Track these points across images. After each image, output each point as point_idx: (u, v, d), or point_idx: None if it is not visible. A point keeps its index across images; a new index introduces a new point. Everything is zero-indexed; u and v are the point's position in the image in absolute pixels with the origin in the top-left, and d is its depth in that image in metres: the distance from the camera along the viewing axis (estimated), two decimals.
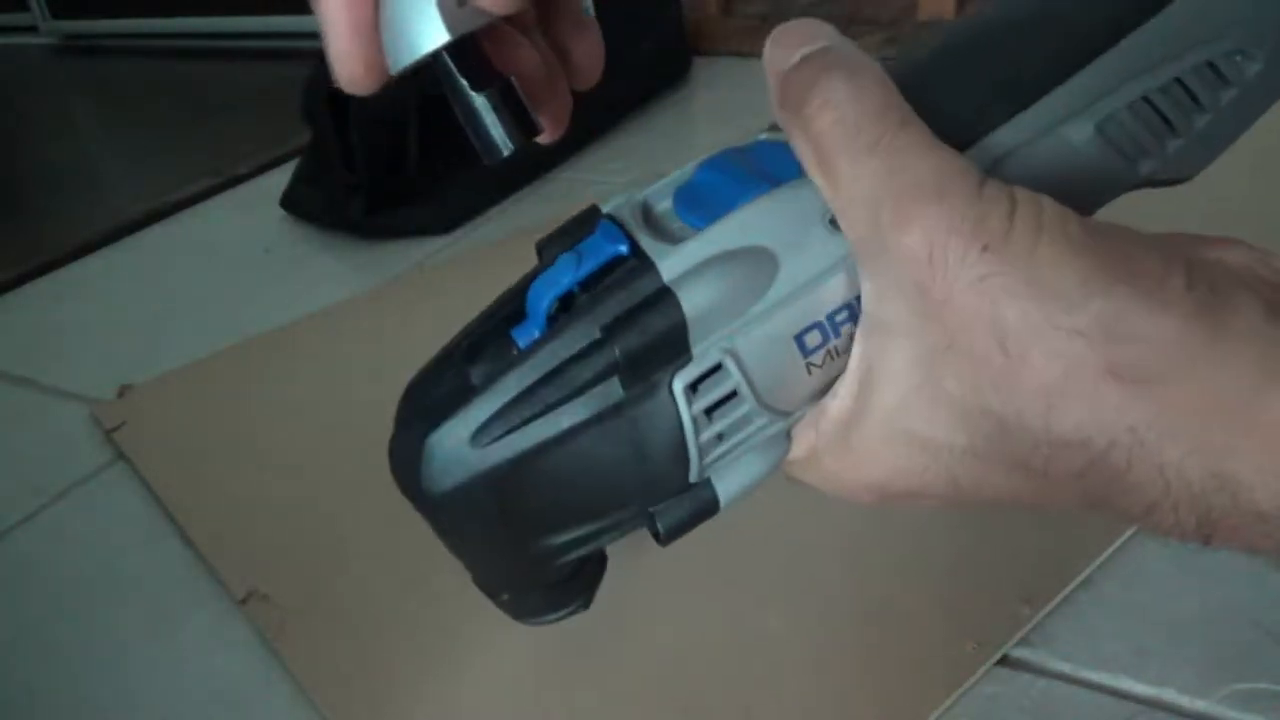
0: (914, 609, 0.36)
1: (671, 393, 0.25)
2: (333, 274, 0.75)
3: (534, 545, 0.29)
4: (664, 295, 0.25)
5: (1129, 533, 0.39)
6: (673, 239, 0.25)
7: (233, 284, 0.76)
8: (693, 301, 0.25)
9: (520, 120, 0.27)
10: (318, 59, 0.78)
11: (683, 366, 0.25)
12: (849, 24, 1.02)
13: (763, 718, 0.34)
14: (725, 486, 0.28)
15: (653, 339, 0.25)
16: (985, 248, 0.22)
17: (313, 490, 0.50)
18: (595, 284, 0.26)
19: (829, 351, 0.26)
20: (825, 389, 0.26)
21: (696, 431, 0.26)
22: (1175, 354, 0.21)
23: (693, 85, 0.97)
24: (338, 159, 0.77)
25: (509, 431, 0.26)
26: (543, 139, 0.30)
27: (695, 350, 0.25)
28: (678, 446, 0.26)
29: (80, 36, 1.71)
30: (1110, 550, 0.38)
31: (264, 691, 0.39)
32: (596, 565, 0.31)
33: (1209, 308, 0.21)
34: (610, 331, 0.25)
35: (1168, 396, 0.21)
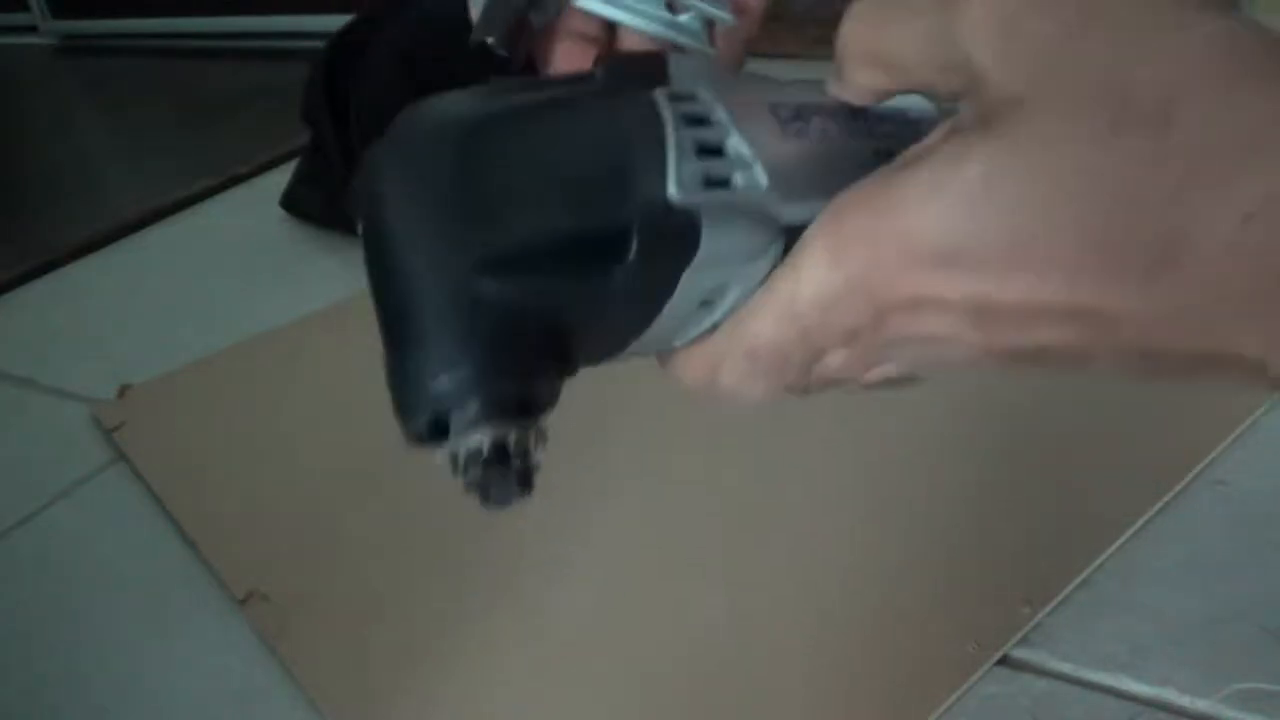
0: (914, 609, 0.36)
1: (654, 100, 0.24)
2: (333, 274, 0.75)
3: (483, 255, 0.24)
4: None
5: (1129, 533, 0.39)
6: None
7: (233, 284, 0.76)
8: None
9: None
10: (317, 59, 0.78)
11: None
12: None
13: (763, 717, 0.34)
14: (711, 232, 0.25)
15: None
16: (1058, 4, 0.21)
17: (313, 490, 0.50)
18: None
19: None
20: None
21: (679, 145, 0.24)
22: None
23: None
24: (338, 159, 0.77)
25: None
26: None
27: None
28: (656, 146, 0.24)
29: (80, 36, 1.71)
30: (1110, 550, 0.38)
31: (264, 691, 0.39)
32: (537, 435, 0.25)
33: None
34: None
35: None
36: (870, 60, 0.24)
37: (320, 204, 0.81)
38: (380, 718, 0.37)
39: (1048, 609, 0.36)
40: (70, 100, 1.48)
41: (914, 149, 0.23)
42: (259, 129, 1.08)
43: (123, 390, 0.62)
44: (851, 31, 0.24)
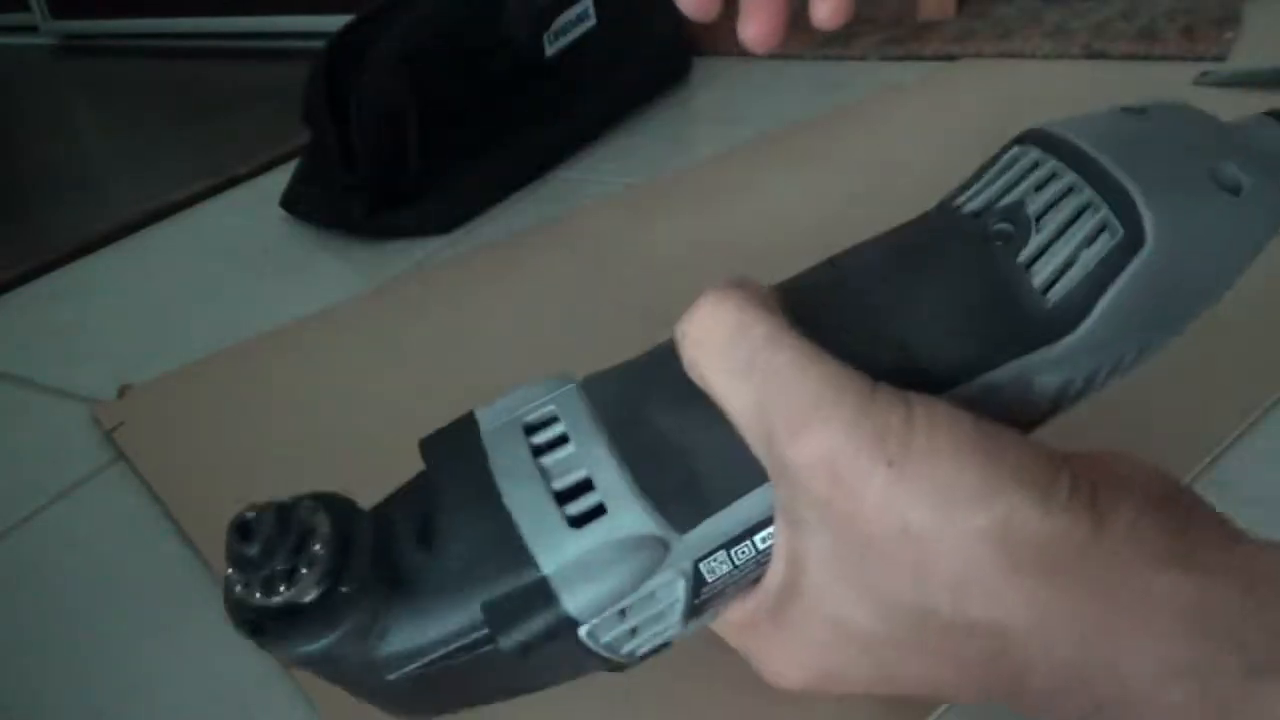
0: None
1: (577, 638, 0.25)
2: (333, 274, 0.75)
3: (473, 705, 0.29)
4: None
5: None
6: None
7: (233, 284, 0.76)
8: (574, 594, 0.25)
9: None
10: (317, 59, 0.78)
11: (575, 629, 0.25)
12: (849, 24, 1.02)
13: (762, 715, 0.34)
14: (676, 639, 0.28)
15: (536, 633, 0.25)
16: (890, 463, 0.23)
17: (312, 490, 0.50)
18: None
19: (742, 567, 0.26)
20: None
21: (615, 649, 0.27)
22: (1065, 550, 0.23)
23: (693, 85, 0.97)
24: (338, 159, 0.77)
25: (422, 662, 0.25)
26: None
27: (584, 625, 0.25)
28: (594, 662, 0.27)
29: (80, 36, 1.71)
30: None
31: (264, 691, 0.39)
32: None
33: (1090, 509, 0.23)
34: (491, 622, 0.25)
35: (1060, 586, 0.23)
36: (702, 385, 0.26)
37: (320, 204, 0.81)
38: (380, 718, 0.37)
39: None
40: (70, 100, 1.48)
41: (774, 573, 0.26)
42: (259, 129, 1.08)
43: (123, 390, 0.62)
44: (689, 350, 0.26)
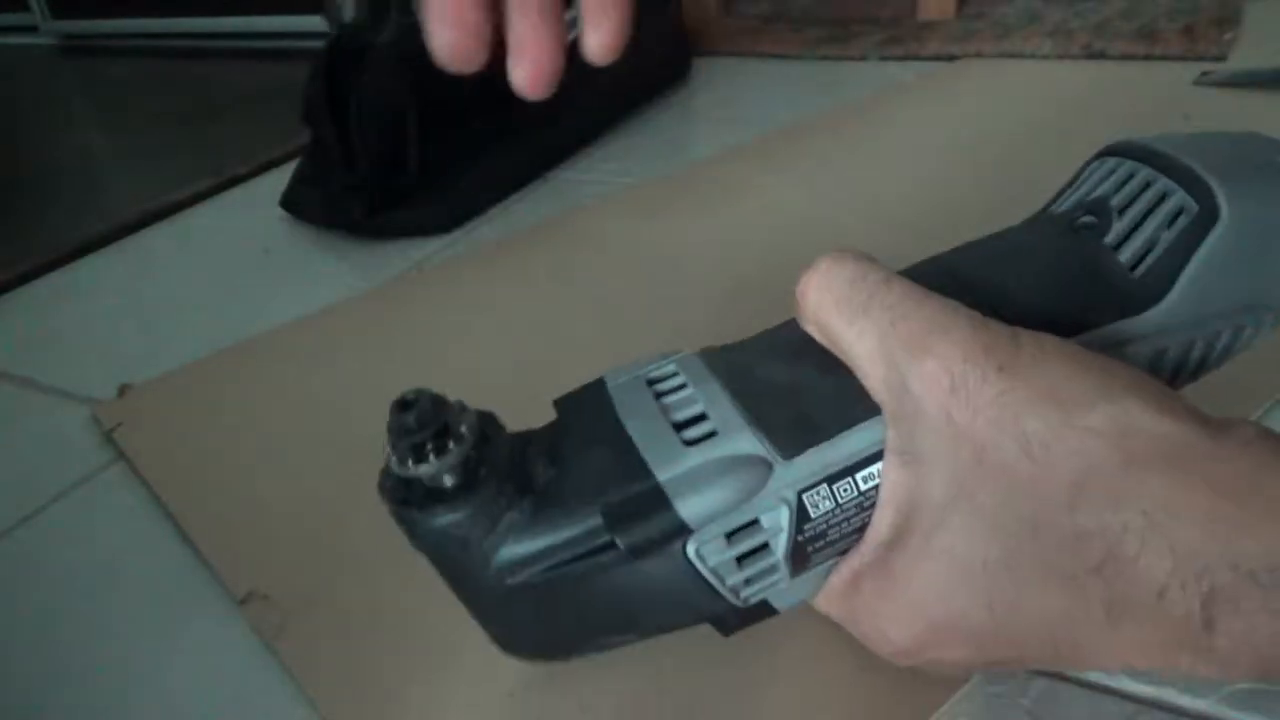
0: None
1: (685, 555, 0.28)
2: (333, 274, 0.75)
3: (576, 645, 0.31)
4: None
5: None
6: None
7: (233, 284, 0.76)
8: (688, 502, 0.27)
9: None
10: (317, 59, 0.78)
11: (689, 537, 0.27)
12: (849, 24, 1.02)
13: (761, 717, 0.34)
14: (781, 601, 0.30)
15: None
16: (1000, 368, 0.25)
17: (313, 490, 0.50)
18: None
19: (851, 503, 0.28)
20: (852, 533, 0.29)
21: (721, 578, 0.28)
22: (1182, 450, 0.24)
23: (693, 85, 0.97)
24: (338, 159, 0.77)
25: (547, 567, 0.28)
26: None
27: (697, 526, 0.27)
28: (701, 589, 0.28)
29: (80, 36, 1.71)
30: None
31: (264, 691, 0.40)
32: None
33: (1208, 421, 0.24)
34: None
35: (1176, 481, 0.24)
36: (824, 339, 0.29)
37: (320, 204, 0.81)
38: (380, 718, 0.37)
39: None
40: (70, 100, 1.48)
41: (882, 520, 0.27)
42: (259, 129, 1.08)
43: (123, 390, 0.62)
44: (812, 298, 0.29)
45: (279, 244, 0.81)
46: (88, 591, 0.47)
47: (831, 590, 0.29)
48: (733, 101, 0.92)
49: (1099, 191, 0.31)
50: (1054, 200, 0.34)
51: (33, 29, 1.75)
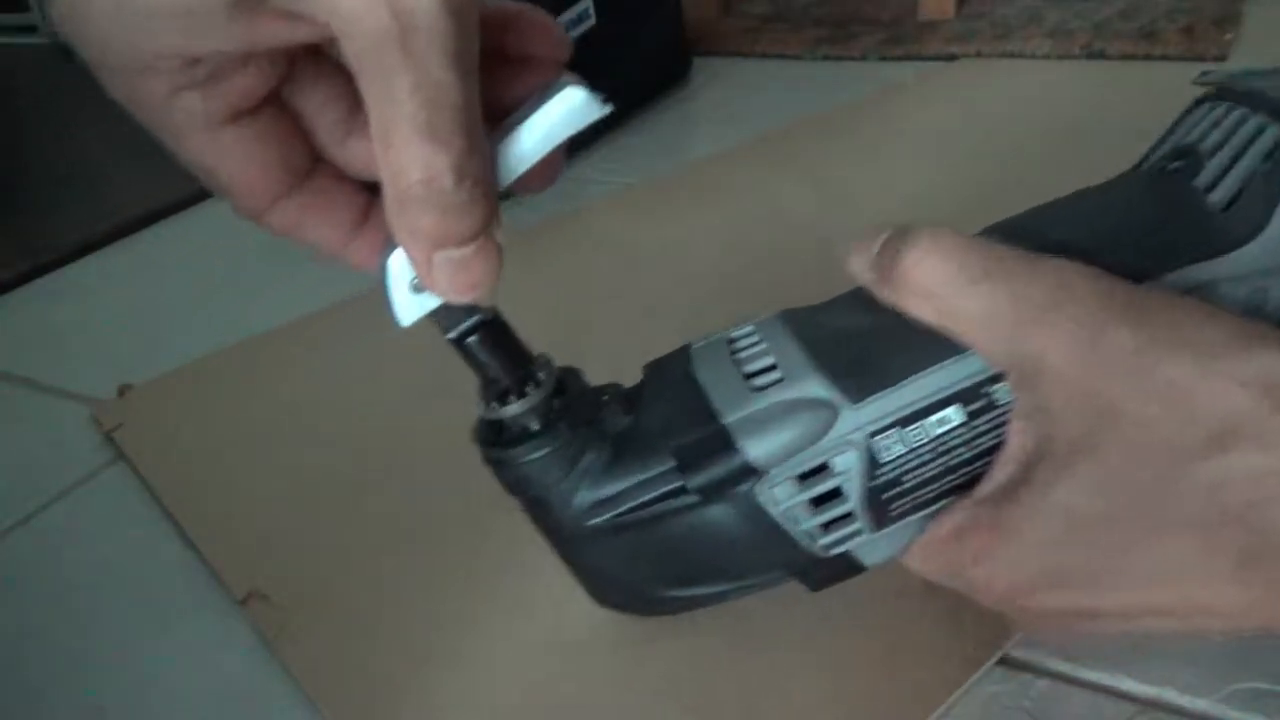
0: (914, 610, 0.36)
1: (756, 497, 0.28)
2: (333, 274, 0.74)
3: (662, 594, 0.32)
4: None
5: None
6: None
7: (233, 284, 0.76)
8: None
9: (511, 351, 0.30)
10: None
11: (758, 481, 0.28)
12: (849, 24, 1.01)
13: (762, 718, 0.34)
14: (866, 555, 0.30)
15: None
16: (1131, 320, 0.25)
17: (313, 490, 0.50)
18: None
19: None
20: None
21: (795, 523, 0.29)
22: None
23: (693, 85, 0.97)
24: None
25: (624, 510, 0.29)
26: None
27: (772, 470, 0.28)
28: (776, 535, 0.29)
29: None
30: None
31: (264, 692, 0.39)
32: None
33: None
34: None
35: None
36: (932, 311, 0.28)
37: None
38: (380, 718, 0.37)
39: None
40: (70, 100, 1.47)
41: (1000, 475, 0.28)
42: None
43: (123, 390, 0.62)
44: (926, 277, 0.28)
45: (279, 244, 0.80)
46: (88, 591, 0.47)
47: (930, 543, 0.29)
48: (733, 101, 0.92)
49: (1189, 139, 0.31)
50: (1144, 158, 0.33)
51: (33, 29, 1.75)
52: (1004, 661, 0.34)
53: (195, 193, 0.93)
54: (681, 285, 0.61)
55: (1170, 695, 0.32)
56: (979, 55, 0.90)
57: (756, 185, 0.73)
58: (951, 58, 0.91)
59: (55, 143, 1.25)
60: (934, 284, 0.27)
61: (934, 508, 0.29)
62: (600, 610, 0.35)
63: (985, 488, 0.28)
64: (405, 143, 0.22)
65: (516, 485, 0.30)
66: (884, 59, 0.94)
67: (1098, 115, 0.73)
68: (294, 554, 0.46)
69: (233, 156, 0.27)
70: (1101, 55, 0.84)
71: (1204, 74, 0.87)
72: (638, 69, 0.91)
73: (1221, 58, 0.79)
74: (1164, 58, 0.82)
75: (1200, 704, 0.32)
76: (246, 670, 0.41)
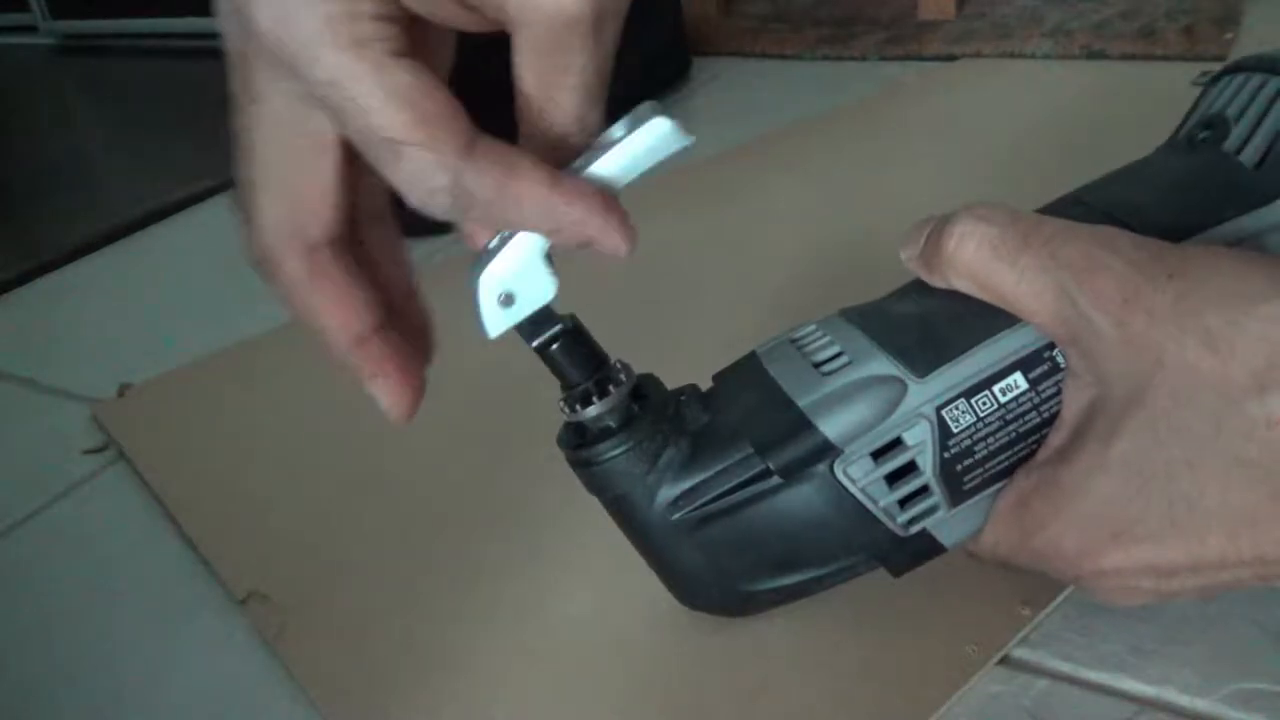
0: (914, 611, 0.36)
1: (834, 475, 0.29)
2: None
3: (749, 587, 0.32)
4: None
5: None
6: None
7: (233, 284, 0.76)
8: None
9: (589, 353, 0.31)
10: None
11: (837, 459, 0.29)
12: (849, 24, 1.02)
13: (762, 718, 0.34)
14: (945, 534, 0.31)
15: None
16: (1172, 274, 0.25)
17: (313, 490, 0.50)
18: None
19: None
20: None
21: (874, 499, 0.29)
22: None
23: (693, 85, 0.97)
24: None
25: (704, 501, 0.30)
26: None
27: (847, 448, 0.29)
28: (857, 514, 0.30)
29: (80, 36, 1.71)
30: None
31: (264, 692, 0.39)
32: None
33: None
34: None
35: None
36: (979, 287, 0.29)
37: None
38: (380, 718, 0.37)
39: (1048, 610, 0.35)
40: (70, 100, 1.48)
41: (1056, 438, 0.28)
42: None
43: (123, 390, 0.62)
44: (969, 254, 0.29)
45: None
46: (88, 591, 0.47)
47: (998, 516, 0.30)
48: (733, 101, 0.92)
49: (1215, 108, 0.32)
50: (1173, 136, 0.34)
51: (33, 29, 1.75)
52: (1004, 661, 0.34)
53: (195, 193, 0.94)
54: (681, 285, 0.61)
55: (1170, 695, 0.32)
56: (979, 55, 0.90)
57: (756, 185, 0.73)
58: (951, 58, 0.91)
59: (55, 143, 1.25)
60: (976, 260, 0.28)
61: (1007, 481, 0.30)
62: (599, 611, 0.35)
63: (1044, 452, 0.29)
64: (571, 105, 0.26)
65: (600, 484, 0.31)
66: (884, 59, 0.94)
67: (1098, 115, 0.73)
68: (294, 554, 0.46)
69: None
70: (1101, 55, 0.84)
71: (1204, 74, 0.88)
72: (638, 69, 0.91)
73: (1221, 58, 0.79)
74: (1164, 58, 0.82)
75: (1200, 704, 0.32)
76: (246, 670, 0.41)
